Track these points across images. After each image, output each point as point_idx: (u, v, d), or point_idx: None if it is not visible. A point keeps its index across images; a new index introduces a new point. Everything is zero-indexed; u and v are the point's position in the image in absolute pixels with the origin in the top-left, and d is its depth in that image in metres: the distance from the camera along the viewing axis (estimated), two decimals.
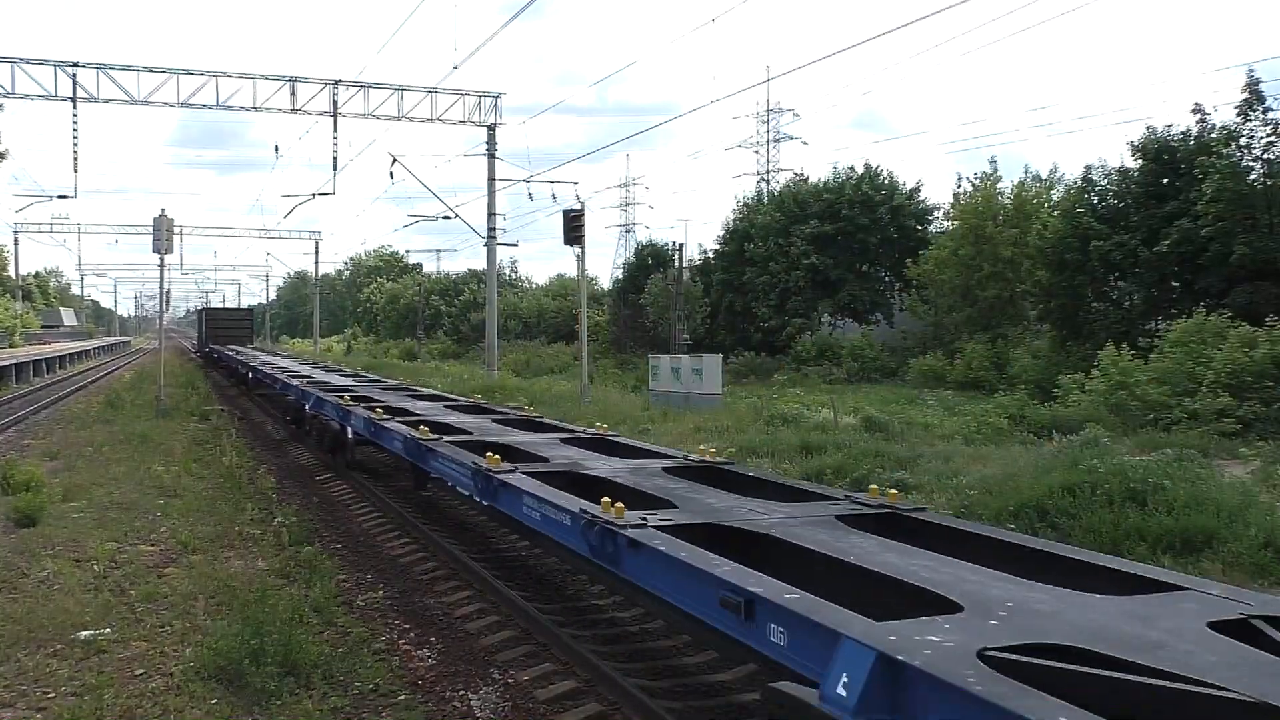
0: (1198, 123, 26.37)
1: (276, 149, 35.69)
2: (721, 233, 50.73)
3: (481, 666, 6.61)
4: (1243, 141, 24.50)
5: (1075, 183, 31.37)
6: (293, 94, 31.45)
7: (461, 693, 6.18)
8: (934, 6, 14.71)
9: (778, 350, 43.26)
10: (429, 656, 6.84)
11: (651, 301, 47.56)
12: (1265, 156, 24.02)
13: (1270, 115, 23.98)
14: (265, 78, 31.29)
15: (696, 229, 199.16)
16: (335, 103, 31.84)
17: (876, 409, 21.90)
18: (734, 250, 47.97)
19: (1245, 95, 24.30)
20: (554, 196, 33.85)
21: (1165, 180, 26.78)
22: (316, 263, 69.94)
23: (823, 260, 43.43)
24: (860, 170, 45.81)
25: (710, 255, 51.60)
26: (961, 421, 19.52)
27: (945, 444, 15.33)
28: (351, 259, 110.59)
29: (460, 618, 7.65)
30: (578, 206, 26.33)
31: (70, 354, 50.48)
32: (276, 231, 63.20)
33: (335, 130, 32.64)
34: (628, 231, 79.81)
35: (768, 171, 66.44)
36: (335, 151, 33.57)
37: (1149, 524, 8.86)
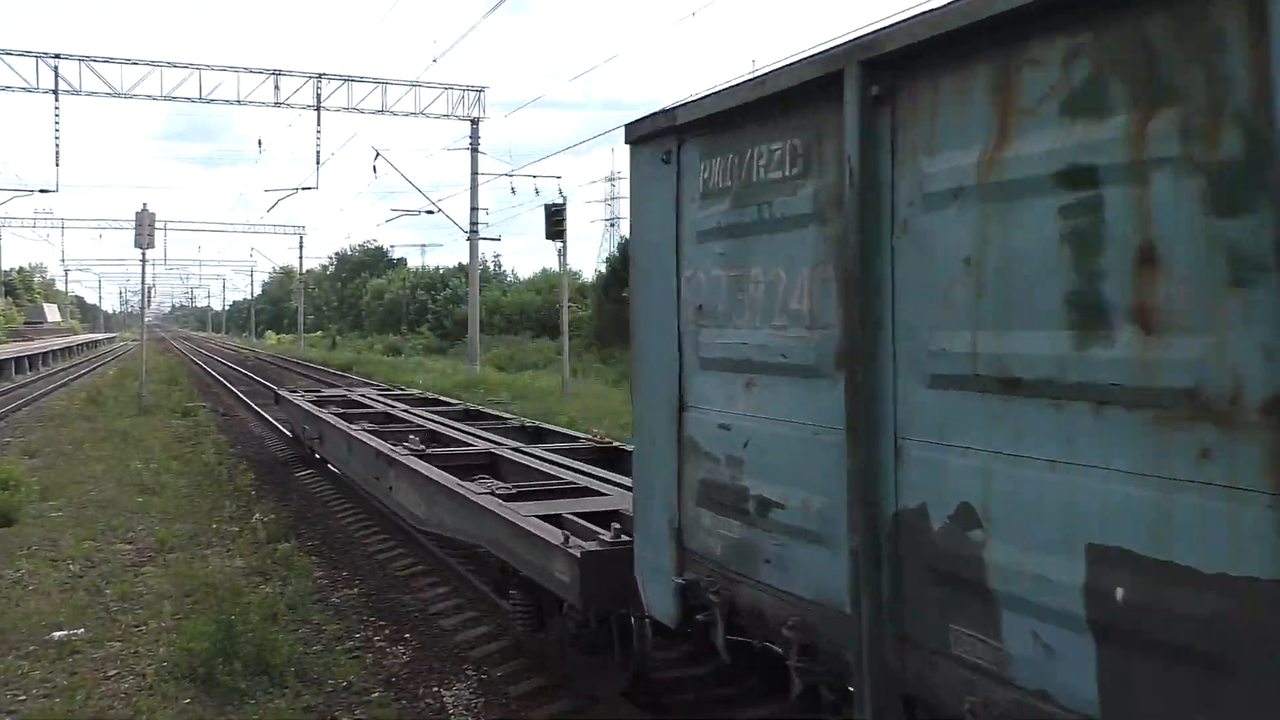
0: None
1: (260, 143, 35.61)
2: None
3: (455, 663, 6.64)
4: None
5: None
6: (276, 87, 31.38)
7: (435, 689, 6.21)
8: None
9: None
10: (403, 653, 6.86)
11: None
12: None
13: None
14: (249, 71, 31.20)
15: None
16: (319, 96, 31.78)
17: None
18: None
19: None
20: (537, 190, 33.90)
21: None
22: (301, 258, 69.93)
23: None
24: None
25: None
26: None
27: None
28: (337, 254, 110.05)
29: (435, 614, 7.68)
30: (560, 201, 26.31)
31: (53, 350, 50.15)
32: (260, 226, 63.33)
33: (319, 124, 32.65)
34: (612, 225, 79.72)
35: None
36: (319, 145, 33.63)
37: None
